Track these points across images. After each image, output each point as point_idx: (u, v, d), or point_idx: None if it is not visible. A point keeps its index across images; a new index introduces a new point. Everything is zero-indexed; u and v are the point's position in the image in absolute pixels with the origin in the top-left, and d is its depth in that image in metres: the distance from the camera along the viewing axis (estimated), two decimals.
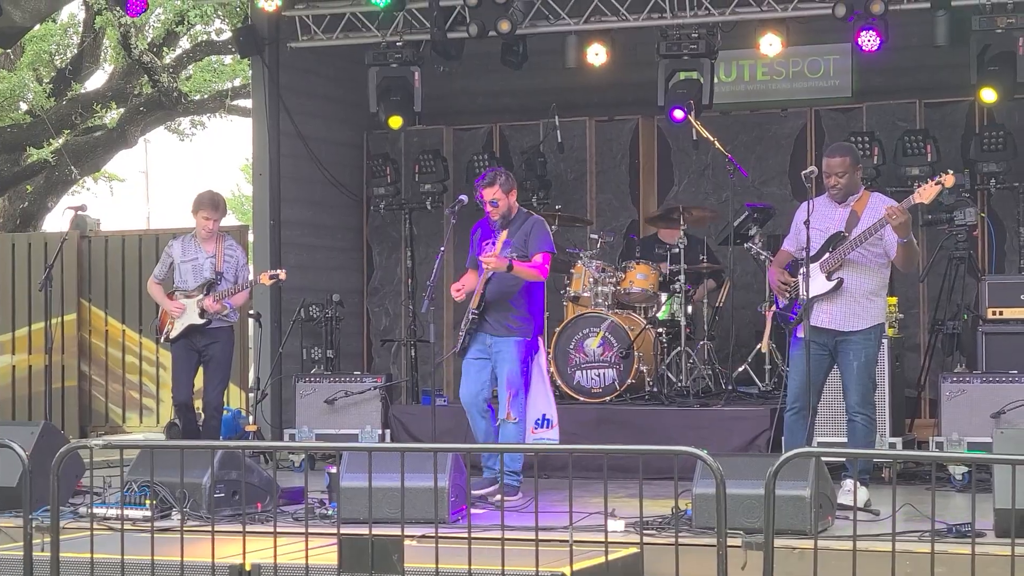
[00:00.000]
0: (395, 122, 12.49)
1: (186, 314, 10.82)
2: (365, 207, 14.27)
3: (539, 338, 9.77)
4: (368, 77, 12.46)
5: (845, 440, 9.11)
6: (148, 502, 8.52)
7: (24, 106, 21.36)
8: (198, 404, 11.16)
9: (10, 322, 15.43)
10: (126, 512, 8.20)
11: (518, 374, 9.54)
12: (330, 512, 8.69)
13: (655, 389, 11.55)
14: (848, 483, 8.70)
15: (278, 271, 11.21)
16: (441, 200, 13.46)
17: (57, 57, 21.87)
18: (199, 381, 11.13)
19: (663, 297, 11.91)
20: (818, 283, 8.78)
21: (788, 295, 9.00)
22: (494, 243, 9.56)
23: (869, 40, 11.21)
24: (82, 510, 8.72)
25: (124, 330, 15.15)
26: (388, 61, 12.40)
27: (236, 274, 10.96)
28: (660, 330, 11.83)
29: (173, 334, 10.90)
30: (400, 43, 12.45)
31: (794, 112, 13.40)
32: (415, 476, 7.81)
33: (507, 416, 9.48)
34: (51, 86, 21.07)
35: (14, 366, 15.42)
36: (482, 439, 9.60)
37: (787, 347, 9.32)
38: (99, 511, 8.47)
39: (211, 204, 10.91)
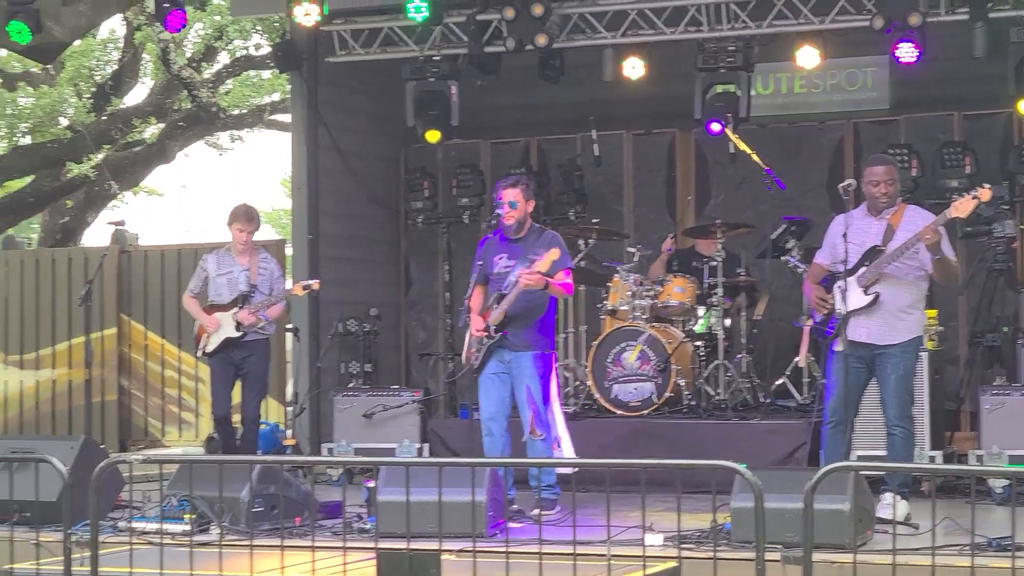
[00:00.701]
0: (432, 136, 12.51)
1: (222, 327, 10.85)
2: (403, 221, 14.30)
3: (553, 354, 9.69)
4: (405, 91, 12.48)
5: (884, 453, 9.06)
6: (187, 516, 8.55)
7: (64, 121, 21.51)
8: (236, 418, 11.18)
9: (51, 337, 15.52)
10: (165, 526, 8.24)
11: (538, 389, 9.39)
12: (368, 526, 8.70)
13: (693, 402, 11.53)
14: (888, 496, 8.66)
15: (311, 281, 11.23)
16: (478, 214, 13.47)
17: (97, 72, 22.01)
18: (237, 395, 11.15)
19: (700, 310, 11.89)
20: (855, 297, 8.74)
21: (825, 310, 8.96)
22: (509, 257, 9.46)
23: (907, 52, 11.19)
24: (121, 524, 8.75)
25: (163, 344, 15.21)
26: (425, 75, 12.41)
27: (271, 287, 10.99)
28: (698, 343, 11.81)
29: (210, 348, 10.93)
30: (437, 57, 12.47)
31: (832, 124, 13.36)
32: (453, 490, 7.80)
33: (532, 433, 9.39)
34: (91, 101, 21.20)
35: (54, 380, 15.50)
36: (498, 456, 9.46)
37: (824, 360, 9.29)
38: (138, 525, 8.51)
39: (245, 216, 10.98)
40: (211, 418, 11.64)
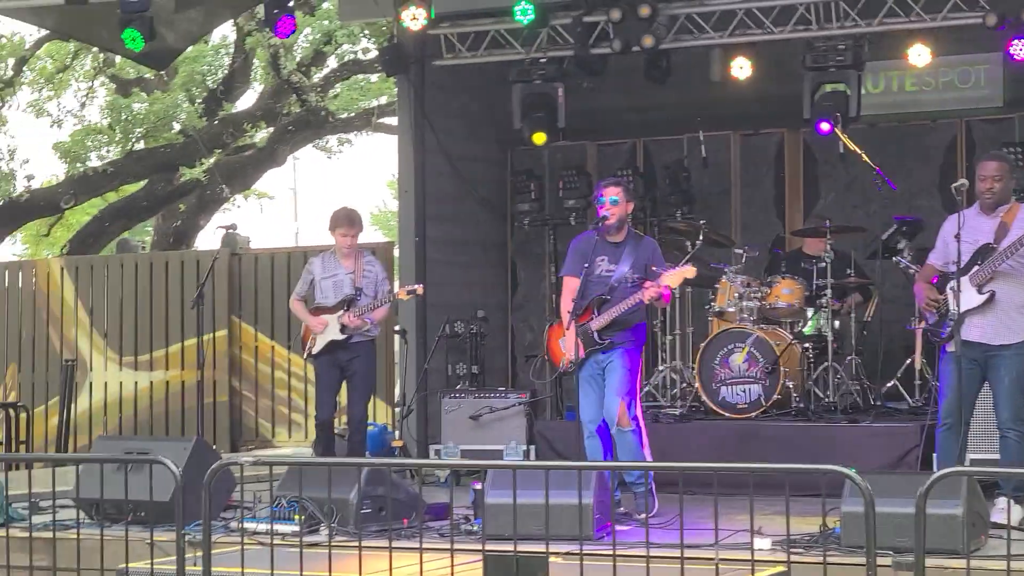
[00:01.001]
0: (539, 138, 12.51)
1: (328, 330, 10.93)
2: (509, 223, 14.33)
3: (640, 351, 9.65)
4: (512, 93, 12.50)
5: (998, 456, 8.93)
6: (297, 517, 8.63)
7: (177, 126, 21.83)
8: (340, 420, 11.23)
9: (164, 339, 15.74)
10: (275, 527, 8.32)
11: (628, 381, 9.37)
12: (475, 528, 8.73)
13: (802, 405, 11.43)
14: (1002, 501, 8.53)
15: (415, 286, 11.25)
16: (585, 216, 13.46)
17: (209, 78, 22.32)
18: (342, 398, 11.22)
19: (809, 312, 11.78)
20: (969, 297, 8.63)
21: (938, 311, 8.85)
22: (610, 261, 9.42)
23: (1022, 49, 10.99)
24: (233, 525, 8.85)
25: (273, 346, 15.36)
26: (532, 77, 12.42)
27: (376, 289, 11.05)
28: (807, 345, 11.70)
29: (315, 350, 11.02)
30: (544, 59, 12.46)
31: (944, 123, 13.18)
32: (560, 493, 7.79)
33: (620, 423, 9.30)
34: (203, 106, 21.50)
35: (167, 382, 15.72)
36: (599, 459, 9.46)
37: (937, 362, 9.18)
38: (249, 526, 8.59)
39: (347, 221, 11.02)
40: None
